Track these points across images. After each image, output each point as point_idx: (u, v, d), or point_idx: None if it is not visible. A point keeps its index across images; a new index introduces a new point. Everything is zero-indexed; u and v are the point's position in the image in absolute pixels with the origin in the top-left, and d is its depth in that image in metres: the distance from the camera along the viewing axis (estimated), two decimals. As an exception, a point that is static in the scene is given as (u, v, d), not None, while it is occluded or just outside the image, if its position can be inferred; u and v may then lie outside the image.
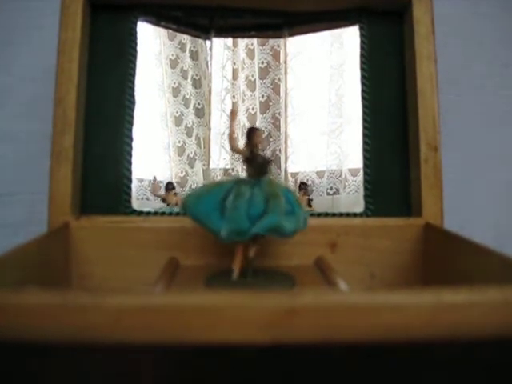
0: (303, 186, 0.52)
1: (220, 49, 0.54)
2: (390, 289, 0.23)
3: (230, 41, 0.54)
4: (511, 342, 0.24)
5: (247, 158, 0.40)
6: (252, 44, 0.54)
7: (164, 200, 0.51)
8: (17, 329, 0.22)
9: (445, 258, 0.41)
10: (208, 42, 0.53)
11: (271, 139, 0.53)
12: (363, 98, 0.50)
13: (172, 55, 0.53)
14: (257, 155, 0.40)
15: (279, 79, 0.53)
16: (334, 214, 0.49)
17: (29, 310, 0.22)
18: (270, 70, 0.54)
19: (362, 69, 0.50)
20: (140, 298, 0.22)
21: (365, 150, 0.50)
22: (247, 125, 0.53)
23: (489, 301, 0.23)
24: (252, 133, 0.40)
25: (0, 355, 0.23)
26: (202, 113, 0.53)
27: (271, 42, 0.53)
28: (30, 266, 0.35)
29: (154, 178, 0.52)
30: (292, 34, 0.53)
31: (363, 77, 0.50)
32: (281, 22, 0.52)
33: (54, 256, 0.41)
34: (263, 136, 0.41)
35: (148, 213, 0.48)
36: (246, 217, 0.37)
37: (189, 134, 0.53)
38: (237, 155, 0.44)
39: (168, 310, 0.22)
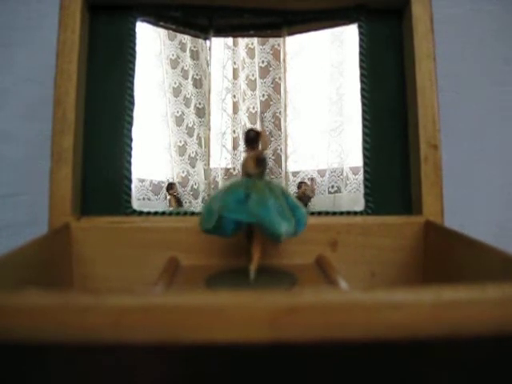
0: (303, 185, 0.52)
1: (220, 48, 0.54)
2: (390, 287, 0.23)
3: (230, 40, 0.54)
4: (511, 339, 0.24)
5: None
6: (252, 43, 0.54)
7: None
8: (17, 330, 0.22)
9: (445, 255, 0.41)
10: (208, 42, 0.53)
11: (272, 138, 0.53)
12: (362, 97, 0.50)
13: (172, 55, 0.53)
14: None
15: (280, 78, 0.53)
16: (334, 213, 0.49)
17: (29, 311, 0.22)
18: (271, 69, 0.54)
19: (361, 67, 0.50)
20: (140, 298, 0.22)
21: (365, 149, 0.50)
22: (248, 124, 0.53)
23: (489, 298, 0.23)
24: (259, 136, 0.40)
25: (0, 356, 0.23)
26: (203, 112, 0.53)
27: (271, 41, 0.53)
28: (31, 267, 0.35)
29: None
30: (291, 33, 0.53)
31: (362, 75, 0.50)
32: (280, 21, 0.52)
33: (55, 257, 0.41)
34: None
35: (148, 213, 0.48)
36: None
37: (190, 134, 0.53)
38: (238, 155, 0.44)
39: (168, 310, 0.22)
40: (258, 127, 0.53)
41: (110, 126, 0.48)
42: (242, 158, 0.41)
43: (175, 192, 0.52)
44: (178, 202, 0.52)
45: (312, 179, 0.53)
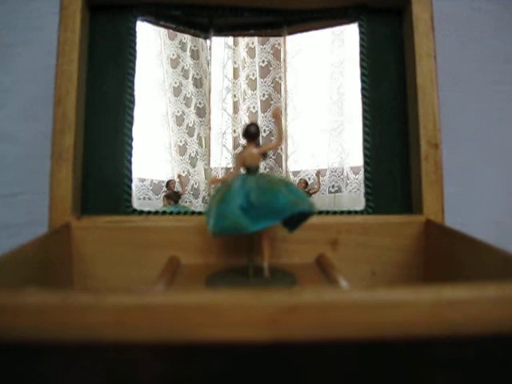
0: (303, 185, 0.52)
1: (220, 48, 0.54)
2: (390, 286, 0.23)
3: (230, 40, 0.54)
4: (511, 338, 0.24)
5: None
6: (253, 43, 0.54)
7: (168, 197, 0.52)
8: (18, 329, 0.22)
9: (446, 254, 0.41)
10: (208, 41, 0.53)
11: (272, 138, 0.53)
12: (363, 96, 0.50)
13: (173, 55, 0.53)
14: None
15: (280, 78, 0.53)
16: (334, 212, 0.48)
17: (30, 310, 0.22)
18: (271, 68, 0.54)
19: (362, 66, 0.50)
20: (141, 298, 0.22)
21: (365, 148, 0.50)
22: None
23: (489, 297, 0.23)
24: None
25: (0, 355, 0.23)
26: (203, 112, 0.53)
27: (272, 40, 0.53)
28: (31, 267, 0.35)
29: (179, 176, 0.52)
30: (291, 32, 0.53)
31: (363, 74, 0.50)
32: (280, 20, 0.52)
33: (55, 256, 0.41)
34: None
35: (149, 212, 0.48)
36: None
37: (190, 134, 0.53)
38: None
39: (169, 309, 0.22)
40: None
41: (110, 125, 0.48)
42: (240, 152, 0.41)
43: (170, 189, 0.52)
44: (173, 199, 0.52)
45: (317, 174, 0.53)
